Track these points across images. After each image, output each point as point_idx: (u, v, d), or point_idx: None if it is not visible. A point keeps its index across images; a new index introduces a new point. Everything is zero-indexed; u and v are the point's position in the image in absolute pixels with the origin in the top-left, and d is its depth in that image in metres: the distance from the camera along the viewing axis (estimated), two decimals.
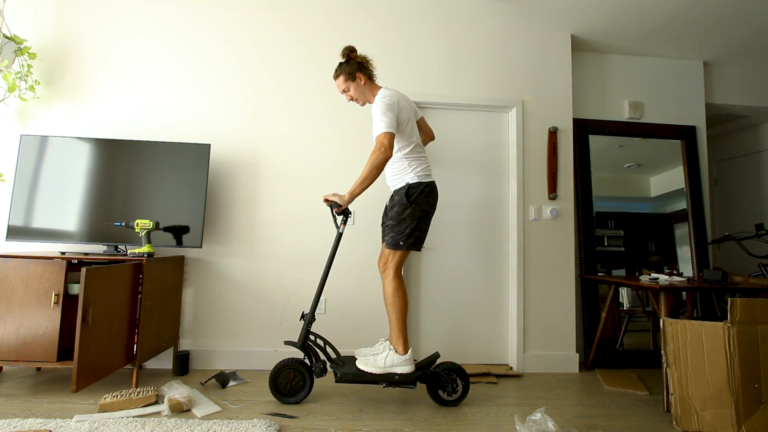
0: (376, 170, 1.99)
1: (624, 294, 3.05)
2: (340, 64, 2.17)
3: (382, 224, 2.25)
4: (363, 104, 2.24)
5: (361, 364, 2.03)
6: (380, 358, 2.02)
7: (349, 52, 2.16)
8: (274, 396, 2.05)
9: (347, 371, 2.02)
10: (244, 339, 2.63)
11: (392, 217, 2.09)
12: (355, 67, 2.14)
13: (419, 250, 2.15)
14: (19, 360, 2.05)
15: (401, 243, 2.04)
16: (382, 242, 2.16)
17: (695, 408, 1.86)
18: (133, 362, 2.16)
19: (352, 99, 2.20)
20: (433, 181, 2.16)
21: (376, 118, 2.04)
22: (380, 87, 2.18)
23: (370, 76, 2.19)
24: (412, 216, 2.05)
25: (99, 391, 2.11)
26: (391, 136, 2.01)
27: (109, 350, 2.02)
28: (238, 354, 2.60)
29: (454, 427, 1.88)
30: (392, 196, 2.17)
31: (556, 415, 1.99)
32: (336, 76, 2.18)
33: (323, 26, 2.83)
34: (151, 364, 2.56)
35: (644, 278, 2.52)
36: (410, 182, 2.09)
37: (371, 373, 2.00)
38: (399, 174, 2.12)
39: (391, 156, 2.03)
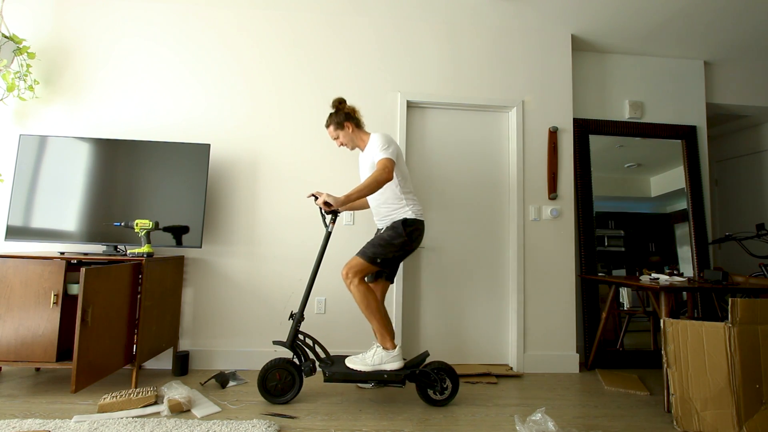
0: (376, 185, 2.05)
1: (624, 294, 3.04)
2: (331, 114, 2.27)
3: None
4: (352, 149, 2.33)
5: (350, 362, 2.05)
6: (368, 355, 2.05)
7: (339, 104, 2.27)
8: (264, 396, 2.04)
9: (336, 370, 2.02)
10: (243, 339, 2.63)
11: (381, 237, 2.14)
12: (343, 117, 2.24)
13: (382, 272, 2.26)
14: (18, 360, 2.05)
15: (378, 261, 2.08)
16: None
17: (696, 408, 1.86)
18: (132, 362, 2.16)
19: (342, 144, 2.30)
20: (424, 221, 2.25)
21: (378, 148, 2.11)
22: (368, 133, 2.28)
23: (357, 124, 2.29)
24: (401, 246, 2.11)
25: (98, 391, 2.11)
26: (393, 163, 2.09)
27: (109, 350, 2.01)
28: (237, 354, 2.60)
29: (454, 427, 1.87)
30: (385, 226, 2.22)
31: (556, 416, 1.99)
32: (327, 125, 2.29)
33: (322, 26, 2.82)
34: (150, 364, 2.56)
35: (645, 278, 2.51)
36: (407, 218, 2.15)
37: (359, 372, 2.02)
38: (395, 211, 2.18)
39: (392, 179, 2.10)
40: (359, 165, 2.40)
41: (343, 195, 2.04)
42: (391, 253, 2.10)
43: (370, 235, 2.65)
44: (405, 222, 2.14)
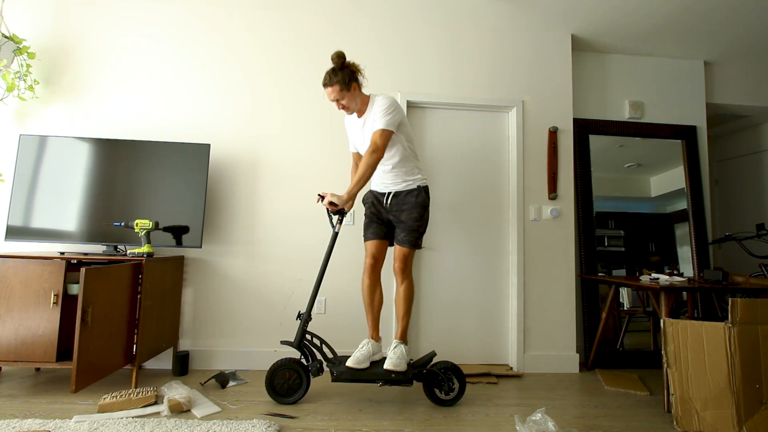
0: (371, 169, 2.03)
1: (624, 294, 3.04)
2: (333, 71, 2.02)
3: (372, 219, 2.24)
4: (352, 113, 2.17)
5: (388, 367, 2.00)
6: (395, 354, 2.01)
7: (343, 60, 2.02)
8: (271, 396, 2.04)
9: (344, 370, 2.02)
10: (243, 339, 2.63)
11: (413, 218, 2.12)
12: (349, 76, 2.03)
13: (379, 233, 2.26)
14: (18, 360, 2.05)
15: (420, 243, 2.16)
16: (397, 242, 2.15)
17: (696, 408, 1.86)
18: (132, 362, 2.16)
19: (343, 108, 2.11)
20: None
21: (380, 113, 2.02)
22: (367, 95, 2.16)
23: (360, 85, 2.11)
24: (426, 220, 2.19)
25: (98, 391, 2.11)
26: (388, 135, 2.03)
27: (109, 350, 2.01)
28: (237, 354, 2.60)
29: (455, 427, 1.87)
30: (398, 195, 2.16)
31: (556, 416, 1.98)
32: (329, 84, 2.02)
33: (322, 26, 2.82)
34: (150, 364, 2.55)
35: (645, 278, 2.51)
36: (421, 185, 2.17)
37: (370, 371, 2.02)
38: (410, 175, 2.16)
39: (382, 156, 2.05)
40: (348, 128, 2.29)
41: (345, 193, 2.03)
42: (423, 229, 2.17)
43: None
44: (424, 191, 2.16)
